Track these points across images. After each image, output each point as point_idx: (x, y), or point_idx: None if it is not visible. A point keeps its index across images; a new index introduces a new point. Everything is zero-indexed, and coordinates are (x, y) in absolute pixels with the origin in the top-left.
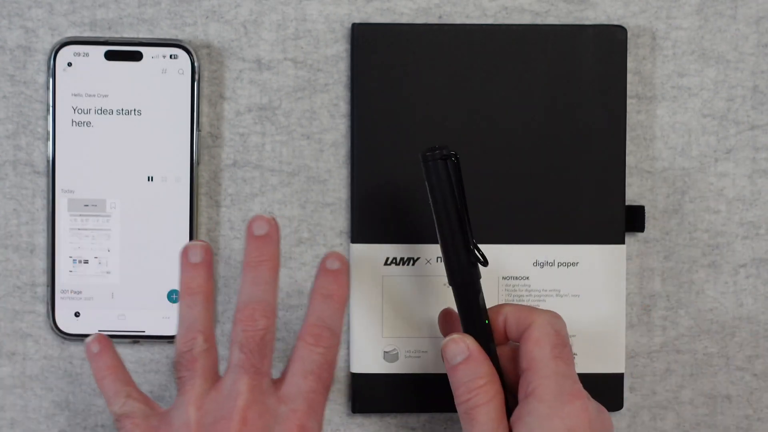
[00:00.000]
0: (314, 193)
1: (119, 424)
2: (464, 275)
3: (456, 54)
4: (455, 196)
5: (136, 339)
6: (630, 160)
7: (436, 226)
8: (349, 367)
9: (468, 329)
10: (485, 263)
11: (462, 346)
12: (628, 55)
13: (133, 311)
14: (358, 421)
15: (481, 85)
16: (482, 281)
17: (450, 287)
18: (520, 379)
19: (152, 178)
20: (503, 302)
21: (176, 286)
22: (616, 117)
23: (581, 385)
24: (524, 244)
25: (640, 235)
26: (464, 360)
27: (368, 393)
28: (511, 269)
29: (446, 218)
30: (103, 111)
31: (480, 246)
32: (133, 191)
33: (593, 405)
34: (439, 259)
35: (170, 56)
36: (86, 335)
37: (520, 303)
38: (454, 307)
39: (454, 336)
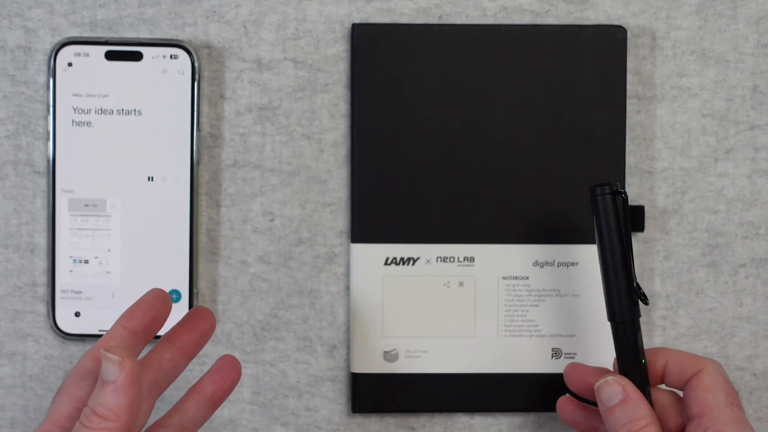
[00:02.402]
0: (314, 193)
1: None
2: (625, 313)
3: (456, 54)
4: (622, 233)
5: None
6: (630, 160)
7: (600, 261)
8: (349, 367)
9: (624, 368)
10: (646, 302)
11: (617, 387)
12: (628, 55)
13: None
14: (358, 421)
15: (481, 85)
16: (482, 281)
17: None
18: (689, 426)
19: (152, 178)
20: (661, 346)
21: (177, 286)
22: (616, 117)
23: None
24: (524, 244)
25: (640, 235)
26: (621, 402)
27: (368, 393)
28: (511, 269)
29: (611, 254)
30: (103, 111)
31: (480, 246)
32: (134, 191)
33: None
34: (439, 259)
35: (170, 56)
36: (86, 335)
37: (680, 350)
38: (454, 307)
39: (609, 378)
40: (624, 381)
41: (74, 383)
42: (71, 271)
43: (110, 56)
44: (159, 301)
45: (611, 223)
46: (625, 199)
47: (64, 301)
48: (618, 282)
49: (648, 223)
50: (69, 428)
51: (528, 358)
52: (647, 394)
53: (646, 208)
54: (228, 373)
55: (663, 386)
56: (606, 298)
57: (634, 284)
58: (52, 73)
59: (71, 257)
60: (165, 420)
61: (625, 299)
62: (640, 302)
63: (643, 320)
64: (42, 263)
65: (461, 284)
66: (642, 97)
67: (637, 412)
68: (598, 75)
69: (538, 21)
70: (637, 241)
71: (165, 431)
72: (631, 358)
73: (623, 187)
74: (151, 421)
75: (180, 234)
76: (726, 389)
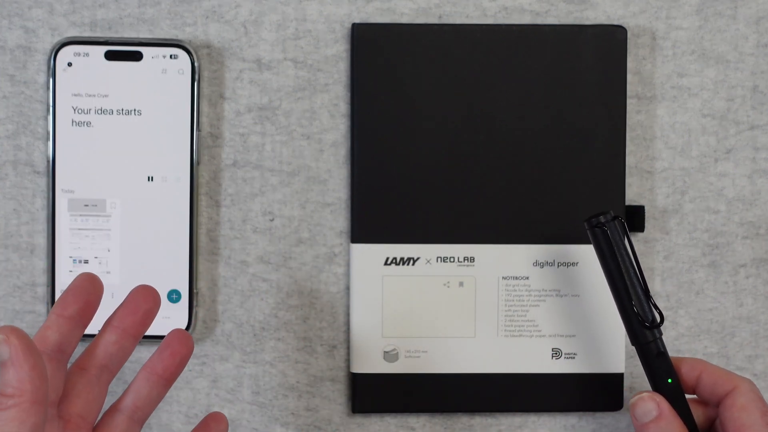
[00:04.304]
0: (314, 193)
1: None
2: (640, 336)
3: (456, 54)
4: (624, 258)
5: None
6: (630, 160)
7: (612, 290)
8: (349, 367)
9: (655, 388)
10: (662, 320)
11: (651, 404)
12: (628, 55)
13: None
14: (358, 421)
15: (481, 85)
16: (482, 281)
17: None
18: None
19: (152, 178)
20: (698, 357)
21: (177, 286)
22: (616, 117)
23: None
24: (524, 244)
25: (640, 235)
26: (655, 419)
27: (368, 393)
28: (511, 269)
29: (623, 281)
30: (103, 111)
31: (480, 246)
32: (133, 191)
33: None
34: (439, 259)
35: (170, 56)
36: (86, 335)
37: (715, 365)
38: (454, 307)
39: (643, 394)
40: (659, 398)
41: None
42: (71, 271)
43: (110, 56)
44: (88, 284)
45: (622, 250)
46: (623, 224)
47: None
48: (625, 308)
49: (648, 223)
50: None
51: (528, 358)
52: (685, 409)
53: (646, 208)
54: (178, 348)
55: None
56: (625, 324)
57: (651, 305)
58: (52, 73)
59: (71, 257)
60: (118, 403)
61: (636, 323)
62: (661, 319)
63: None
64: (42, 263)
65: (461, 284)
66: (642, 97)
67: (670, 429)
68: (598, 75)
69: (538, 21)
70: (637, 241)
71: (120, 414)
72: (659, 379)
73: (623, 187)
74: (105, 406)
75: (180, 234)
76: (762, 408)
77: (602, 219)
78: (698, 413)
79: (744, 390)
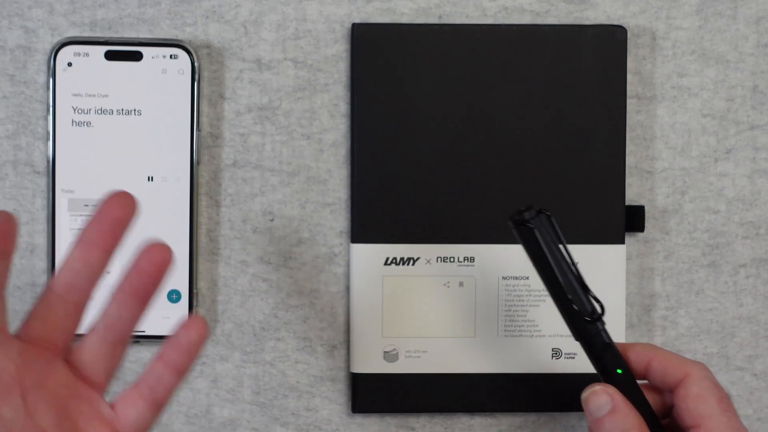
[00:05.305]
0: (314, 193)
1: None
2: (589, 329)
3: (456, 54)
4: (562, 251)
5: (137, 339)
6: (630, 160)
7: (547, 288)
8: (349, 367)
9: (607, 381)
10: (603, 311)
11: (604, 398)
12: (628, 55)
13: None
14: (358, 421)
15: (481, 85)
16: (482, 281)
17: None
18: None
19: (152, 178)
20: (645, 342)
21: (177, 286)
22: (616, 117)
23: None
24: None
25: (639, 235)
26: (609, 413)
27: (368, 393)
28: (511, 269)
29: (557, 277)
30: (103, 111)
31: (480, 246)
32: (133, 191)
33: None
34: (439, 259)
35: (170, 56)
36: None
37: (667, 349)
38: (454, 307)
39: (595, 387)
40: (612, 390)
41: None
42: None
43: (110, 56)
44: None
45: (552, 245)
46: (549, 217)
47: None
48: (563, 304)
49: (648, 223)
50: None
51: (528, 358)
52: (639, 398)
53: (646, 208)
54: (150, 262)
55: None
56: (566, 320)
57: (589, 297)
58: (52, 73)
59: None
60: (92, 326)
61: (577, 319)
62: (601, 310)
63: (643, 320)
64: (42, 263)
65: (461, 284)
66: (642, 97)
67: (626, 423)
68: (598, 75)
69: (538, 21)
70: (637, 241)
71: (92, 335)
72: (608, 370)
73: (623, 187)
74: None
75: (180, 234)
76: (718, 394)
77: (527, 215)
78: (655, 400)
79: (696, 377)
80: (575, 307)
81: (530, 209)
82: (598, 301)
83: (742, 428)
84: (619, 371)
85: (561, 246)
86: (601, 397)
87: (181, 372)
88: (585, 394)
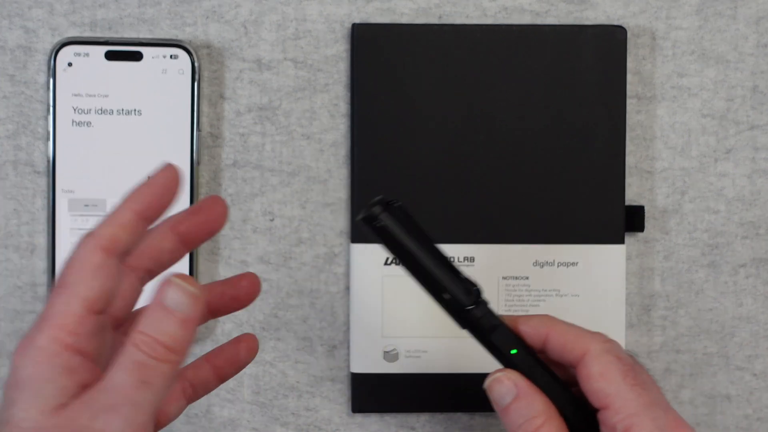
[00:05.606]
0: (314, 193)
1: None
2: (472, 314)
3: (456, 54)
4: (423, 241)
5: None
6: (630, 160)
7: (417, 282)
8: (349, 367)
9: (507, 365)
10: (480, 292)
11: (507, 384)
12: (627, 55)
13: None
14: (358, 421)
15: (481, 85)
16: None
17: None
18: (599, 417)
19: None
20: (540, 313)
21: None
22: (615, 117)
23: (675, 410)
24: (524, 244)
25: (639, 235)
26: (514, 399)
27: (368, 393)
28: (511, 269)
29: (424, 270)
30: (103, 111)
31: (480, 246)
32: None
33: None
34: None
35: (170, 56)
36: None
37: (561, 322)
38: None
39: (497, 375)
40: (514, 375)
41: (82, 282)
42: None
43: (110, 56)
44: (171, 182)
45: (399, 244)
46: (401, 207)
47: None
48: (439, 295)
49: (648, 223)
50: (82, 334)
51: None
52: (544, 377)
53: (646, 208)
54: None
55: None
56: (446, 310)
57: (459, 286)
58: (52, 73)
59: None
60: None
61: (456, 308)
62: (478, 293)
63: (643, 320)
64: (42, 263)
65: None
66: (642, 97)
67: (532, 409)
68: (598, 75)
69: (538, 21)
70: (637, 241)
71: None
72: (503, 352)
73: (623, 187)
74: None
75: None
76: (621, 369)
77: (375, 211)
78: (565, 373)
79: (596, 353)
80: (451, 296)
81: (377, 204)
82: (473, 283)
83: (656, 403)
84: (513, 351)
85: (419, 235)
86: (504, 385)
87: (223, 381)
88: (487, 383)
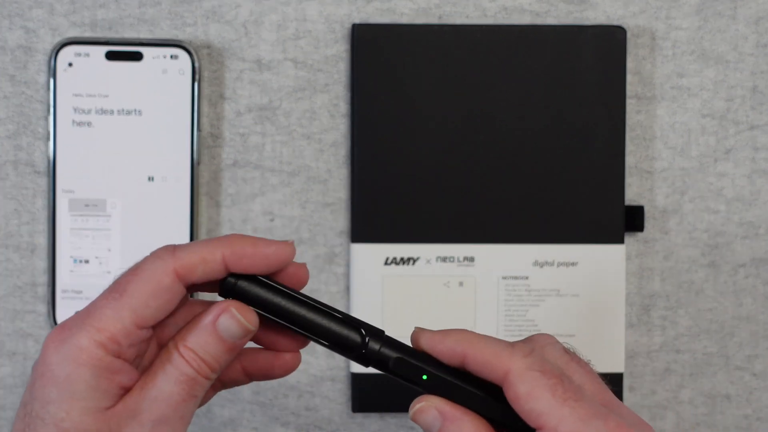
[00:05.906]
0: (314, 193)
1: None
2: (371, 354)
3: (456, 54)
4: (291, 298)
5: None
6: (629, 160)
7: (303, 336)
8: (349, 367)
9: (429, 390)
10: (370, 330)
11: (432, 412)
12: (627, 55)
13: None
14: (358, 421)
15: (481, 85)
16: (482, 281)
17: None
18: None
19: (152, 178)
20: (456, 328)
21: None
22: (615, 117)
23: (623, 406)
24: (524, 244)
25: (639, 234)
26: (441, 426)
27: (368, 393)
28: (511, 269)
29: (306, 325)
30: (103, 111)
31: (480, 246)
32: (134, 191)
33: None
34: (439, 259)
35: (171, 56)
36: None
37: (480, 338)
38: (454, 307)
39: (420, 404)
40: (436, 401)
41: (141, 297)
42: (72, 271)
43: (110, 56)
44: (275, 257)
45: (271, 305)
46: (254, 276)
47: (64, 301)
48: (331, 346)
49: (648, 223)
50: (125, 345)
51: None
52: (471, 395)
53: (645, 208)
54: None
55: None
56: (347, 356)
57: (345, 330)
58: (53, 73)
59: (72, 257)
60: None
61: (351, 354)
62: (364, 331)
63: (643, 320)
64: (42, 263)
65: (461, 284)
66: (642, 97)
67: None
68: (598, 75)
69: (538, 21)
70: (637, 240)
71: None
72: (417, 381)
73: (622, 186)
74: None
75: (180, 234)
76: (548, 385)
77: (231, 281)
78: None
79: (518, 371)
80: (343, 344)
81: (228, 278)
82: (357, 321)
83: (593, 409)
84: (424, 377)
85: (289, 292)
86: (428, 414)
87: (254, 381)
88: (412, 412)
